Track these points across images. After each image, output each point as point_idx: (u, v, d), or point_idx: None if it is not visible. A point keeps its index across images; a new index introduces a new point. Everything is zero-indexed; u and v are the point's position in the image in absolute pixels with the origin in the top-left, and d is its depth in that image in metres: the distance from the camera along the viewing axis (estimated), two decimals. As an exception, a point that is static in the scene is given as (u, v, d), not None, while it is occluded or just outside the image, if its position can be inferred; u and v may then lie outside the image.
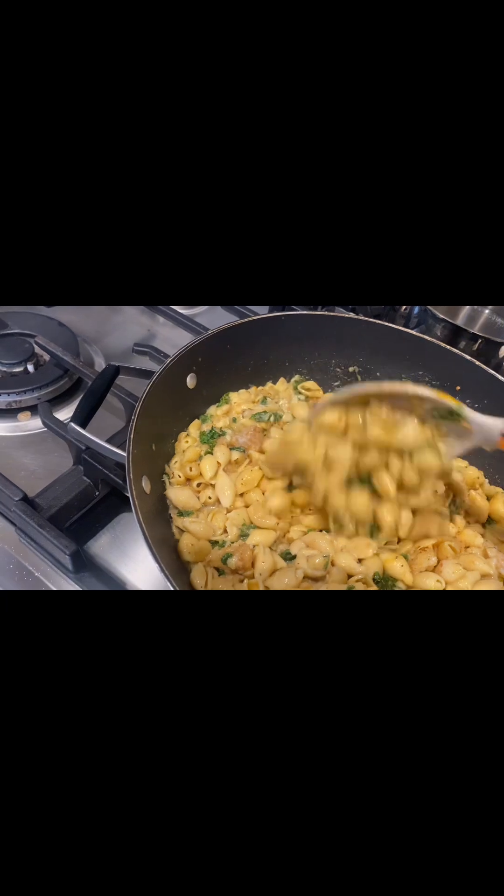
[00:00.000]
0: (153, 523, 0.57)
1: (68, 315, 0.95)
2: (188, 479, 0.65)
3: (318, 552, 0.58)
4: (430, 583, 0.57)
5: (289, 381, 0.80)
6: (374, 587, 0.56)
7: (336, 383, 0.81)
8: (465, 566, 0.59)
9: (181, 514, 0.62)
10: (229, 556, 0.57)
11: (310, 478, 0.59)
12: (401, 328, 0.76)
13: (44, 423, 0.74)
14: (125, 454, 0.55)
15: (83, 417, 0.63)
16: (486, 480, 0.72)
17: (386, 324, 0.76)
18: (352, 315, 0.79)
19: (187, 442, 0.68)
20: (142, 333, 0.99)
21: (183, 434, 0.70)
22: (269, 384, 0.78)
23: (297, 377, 0.80)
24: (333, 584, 0.56)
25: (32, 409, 0.82)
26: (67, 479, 0.71)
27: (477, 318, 1.02)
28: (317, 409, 0.60)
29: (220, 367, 0.73)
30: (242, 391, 0.76)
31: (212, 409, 0.73)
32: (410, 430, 0.57)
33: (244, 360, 0.76)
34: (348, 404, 0.59)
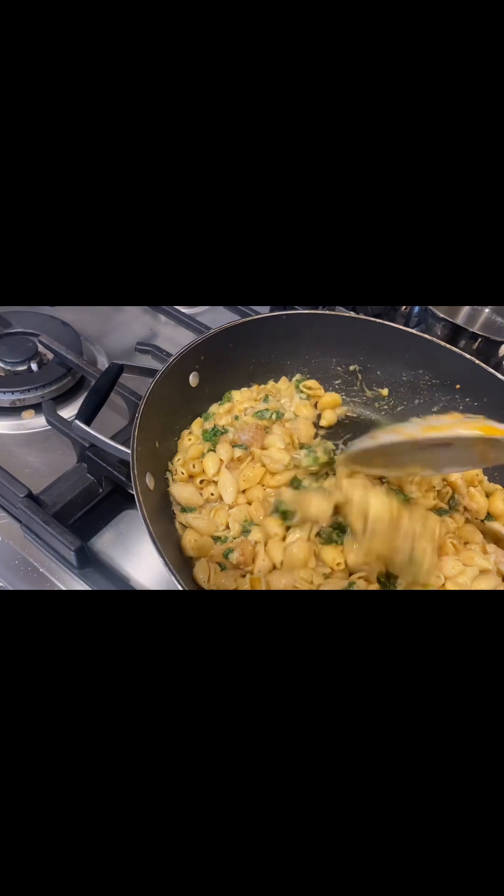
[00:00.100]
0: (157, 519, 0.57)
1: (71, 314, 0.95)
2: (191, 476, 0.66)
3: None
4: (431, 578, 0.57)
5: (290, 380, 0.80)
6: (376, 584, 0.57)
7: (337, 381, 0.82)
8: (464, 562, 0.60)
9: (184, 510, 0.63)
10: (231, 552, 0.58)
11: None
12: (401, 327, 0.76)
13: (48, 420, 0.74)
14: (129, 451, 0.56)
15: (88, 415, 0.64)
16: (486, 478, 0.73)
17: (386, 323, 0.77)
18: (352, 314, 0.79)
19: (190, 439, 0.69)
20: (144, 332, 1.00)
21: (186, 432, 0.71)
22: (271, 382, 0.79)
23: (298, 376, 0.81)
24: (335, 579, 0.57)
25: (36, 408, 0.83)
26: (71, 476, 0.72)
27: (477, 317, 1.02)
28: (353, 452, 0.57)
29: (223, 365, 0.74)
30: (244, 389, 0.76)
31: (214, 408, 0.74)
32: None
33: (246, 359, 0.77)
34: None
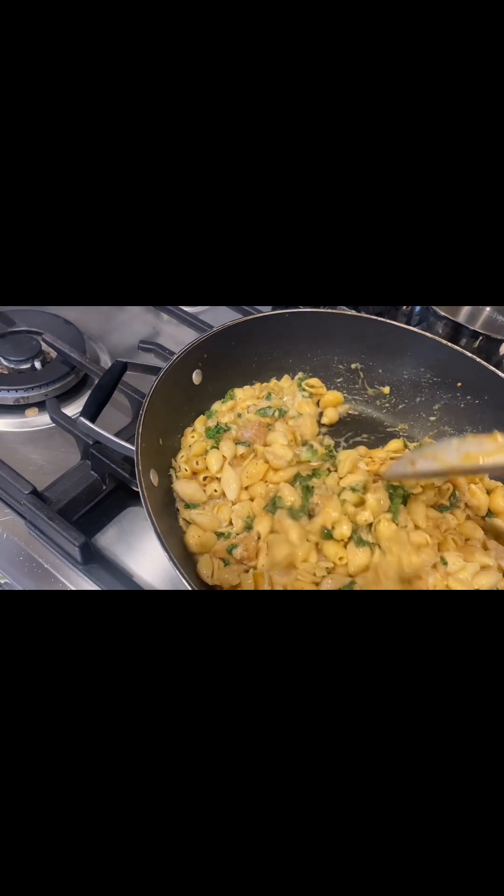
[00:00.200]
0: (160, 516, 0.58)
1: (74, 313, 0.96)
2: (194, 473, 0.66)
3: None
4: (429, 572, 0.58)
5: (293, 378, 0.81)
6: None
7: (338, 379, 0.82)
8: (465, 558, 0.60)
9: (188, 506, 0.64)
10: (234, 547, 0.58)
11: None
12: (402, 325, 0.77)
13: (52, 418, 0.75)
14: (133, 448, 0.56)
15: (92, 412, 0.65)
16: (487, 475, 0.73)
17: (388, 321, 0.77)
18: (354, 312, 0.80)
19: (193, 437, 0.69)
20: (147, 331, 1.00)
21: (189, 429, 0.71)
22: (274, 380, 0.80)
23: (300, 374, 0.81)
24: (337, 575, 0.57)
25: (40, 406, 0.83)
26: (75, 473, 0.72)
27: (478, 315, 1.03)
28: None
29: (225, 363, 0.74)
30: (247, 387, 0.77)
31: (217, 405, 0.74)
32: None
33: (248, 357, 0.77)
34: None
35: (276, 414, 0.72)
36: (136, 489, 0.55)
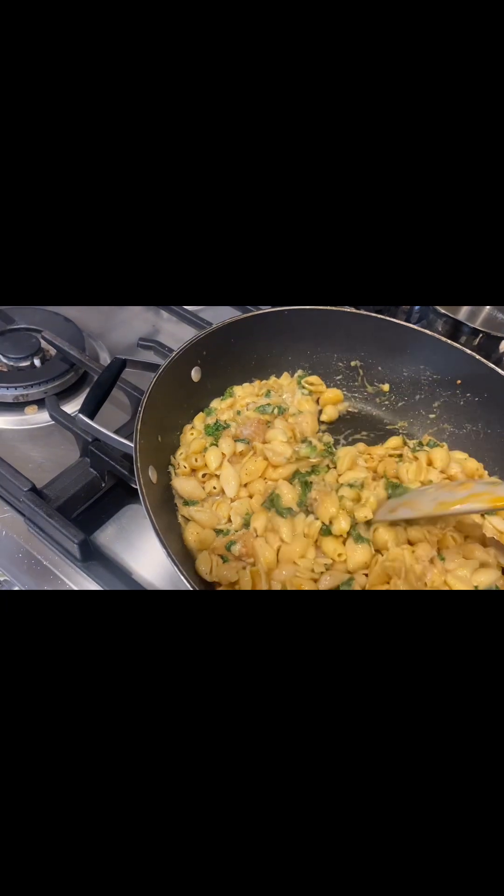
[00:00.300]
0: (159, 512, 0.58)
1: (74, 310, 0.96)
2: (193, 470, 0.66)
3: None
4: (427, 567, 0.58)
5: (292, 376, 0.81)
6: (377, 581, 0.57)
7: (338, 377, 0.82)
8: (464, 555, 0.60)
9: (186, 503, 0.64)
10: (233, 544, 0.58)
11: None
12: (402, 323, 0.77)
13: (51, 416, 0.75)
14: (132, 445, 0.56)
15: (91, 409, 0.65)
16: (487, 472, 0.73)
17: (387, 318, 0.77)
18: (353, 310, 0.80)
19: (192, 434, 0.69)
20: (146, 329, 1.00)
21: (188, 426, 0.71)
22: (273, 378, 0.80)
23: (300, 372, 0.81)
24: (336, 571, 0.57)
25: (39, 403, 0.83)
26: (74, 470, 0.72)
27: (478, 313, 1.03)
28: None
29: (224, 360, 0.74)
30: (246, 385, 0.77)
31: (216, 403, 0.74)
32: None
33: (248, 355, 0.77)
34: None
35: (276, 411, 0.72)
36: (135, 486, 0.54)
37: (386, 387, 0.81)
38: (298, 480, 0.64)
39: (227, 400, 0.74)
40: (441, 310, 0.88)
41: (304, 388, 0.79)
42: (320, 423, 0.78)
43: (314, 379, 0.80)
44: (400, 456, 0.72)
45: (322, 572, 0.56)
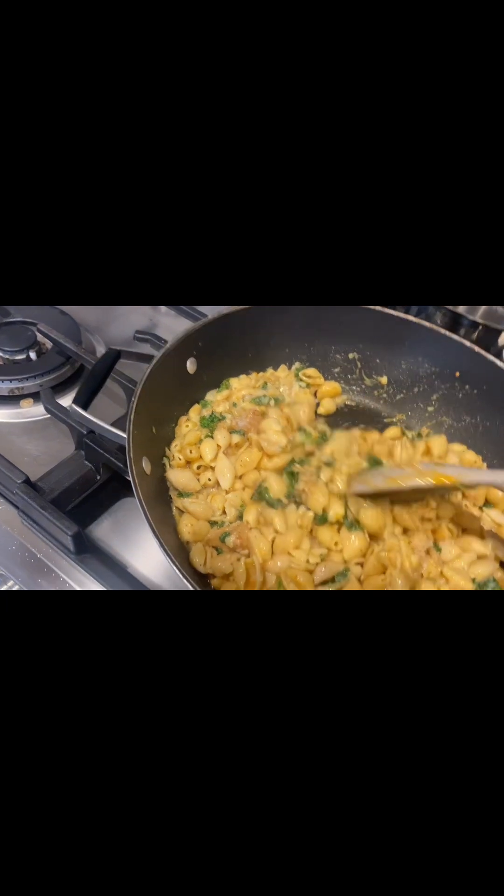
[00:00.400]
0: (154, 504, 0.57)
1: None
2: (188, 462, 0.65)
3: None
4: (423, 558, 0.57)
5: (290, 368, 0.80)
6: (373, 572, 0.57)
7: (336, 369, 0.81)
8: (461, 547, 0.60)
9: (181, 495, 0.63)
10: (227, 535, 0.58)
11: None
12: (401, 315, 0.76)
13: (46, 408, 0.74)
14: (125, 435, 0.56)
15: (84, 399, 0.64)
16: (486, 465, 0.72)
17: (386, 310, 0.76)
18: (352, 302, 0.79)
19: (187, 426, 0.69)
20: (144, 322, 0.99)
21: (183, 418, 0.70)
22: (270, 370, 0.79)
23: (297, 364, 0.80)
24: (331, 562, 0.56)
25: (35, 397, 0.83)
26: (69, 463, 0.72)
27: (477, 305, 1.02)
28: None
29: (220, 352, 0.74)
30: (243, 377, 0.76)
31: (212, 395, 0.74)
32: None
33: (244, 346, 0.77)
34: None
35: (272, 402, 0.71)
36: (129, 479, 0.54)
37: (384, 379, 0.80)
38: (285, 472, 0.63)
39: (224, 392, 0.73)
40: (440, 302, 0.87)
41: (301, 380, 0.78)
42: (317, 416, 0.77)
43: (312, 371, 0.79)
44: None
45: (317, 563, 0.56)
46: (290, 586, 0.54)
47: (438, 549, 0.59)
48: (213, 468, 0.64)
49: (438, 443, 0.71)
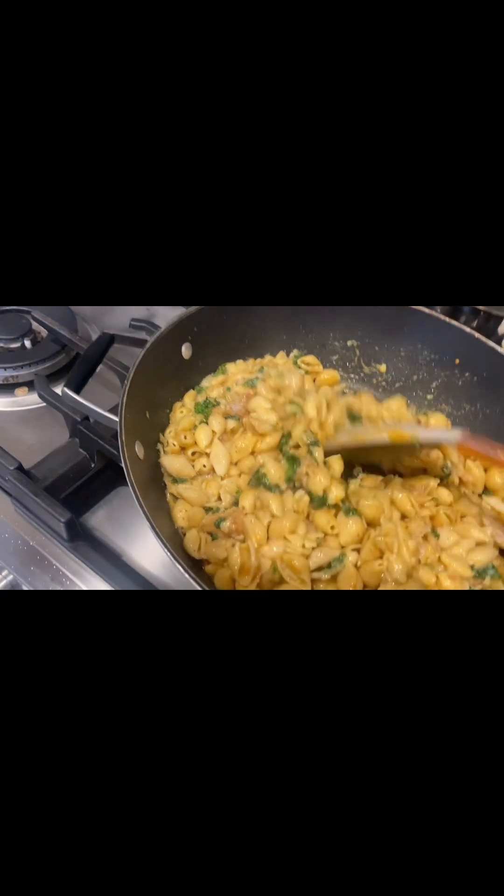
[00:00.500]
0: (148, 490, 0.56)
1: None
2: (183, 448, 0.64)
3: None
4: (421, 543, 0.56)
5: (288, 356, 0.79)
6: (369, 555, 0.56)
7: (334, 357, 0.80)
8: (460, 534, 0.58)
9: (175, 481, 0.62)
10: (222, 521, 0.57)
11: None
12: (400, 301, 0.75)
13: (40, 395, 0.74)
14: (118, 419, 0.55)
15: (77, 383, 0.63)
16: (485, 453, 0.71)
17: (384, 296, 0.75)
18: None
19: (182, 412, 0.68)
20: (140, 312, 0.99)
21: (178, 404, 0.69)
22: (268, 357, 0.78)
23: (296, 351, 0.79)
24: (328, 547, 0.55)
25: (30, 385, 0.82)
26: (63, 451, 0.71)
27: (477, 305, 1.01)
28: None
29: (216, 338, 0.73)
30: (240, 362, 0.75)
31: (207, 380, 0.73)
32: None
33: (240, 332, 0.76)
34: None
35: (259, 375, 0.70)
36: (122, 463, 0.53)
37: (383, 367, 0.79)
38: (285, 456, 0.62)
39: (219, 377, 0.72)
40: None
41: (300, 367, 0.77)
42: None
43: (311, 359, 0.78)
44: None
45: (313, 548, 0.54)
46: (286, 571, 0.53)
47: (437, 536, 0.58)
48: (207, 454, 0.63)
49: (438, 421, 0.70)
